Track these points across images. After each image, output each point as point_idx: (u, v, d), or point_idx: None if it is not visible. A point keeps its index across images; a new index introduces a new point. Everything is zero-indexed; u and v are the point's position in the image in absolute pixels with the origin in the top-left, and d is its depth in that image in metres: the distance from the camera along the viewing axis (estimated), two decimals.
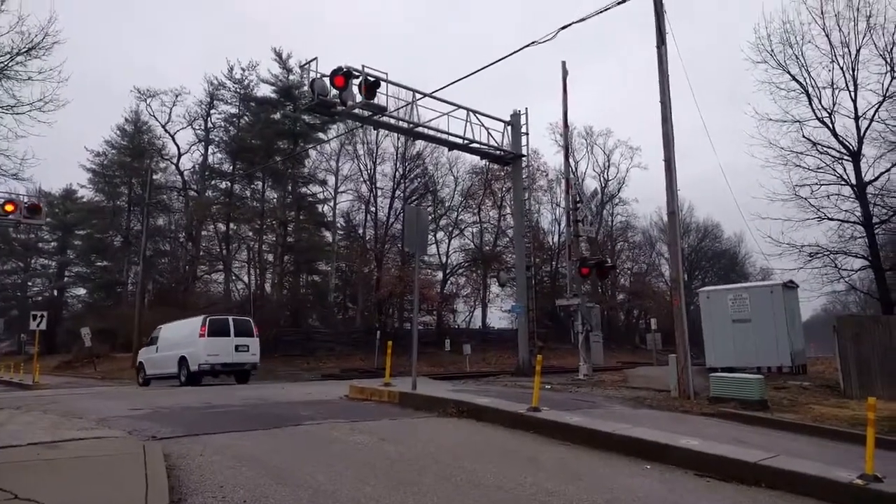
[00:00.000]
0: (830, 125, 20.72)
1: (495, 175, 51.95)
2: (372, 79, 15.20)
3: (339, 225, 51.08)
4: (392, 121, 17.19)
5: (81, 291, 55.23)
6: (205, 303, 41.65)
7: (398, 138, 45.20)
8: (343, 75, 14.76)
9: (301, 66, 15.58)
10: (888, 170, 20.08)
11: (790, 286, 20.42)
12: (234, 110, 46.33)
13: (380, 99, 15.59)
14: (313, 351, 38.65)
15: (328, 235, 49.59)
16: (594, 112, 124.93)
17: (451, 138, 18.40)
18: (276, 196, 47.71)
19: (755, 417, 10.66)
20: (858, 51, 20.79)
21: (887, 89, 19.96)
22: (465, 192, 49.54)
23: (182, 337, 19.23)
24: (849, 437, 9.45)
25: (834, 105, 20.48)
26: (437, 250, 48.96)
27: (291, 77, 45.38)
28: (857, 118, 19.93)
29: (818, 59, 21.54)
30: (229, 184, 46.32)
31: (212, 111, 46.29)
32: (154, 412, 9.60)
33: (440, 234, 49.10)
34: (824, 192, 21.83)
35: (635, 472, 6.33)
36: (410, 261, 46.77)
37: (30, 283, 58.41)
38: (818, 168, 21.85)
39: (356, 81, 15.13)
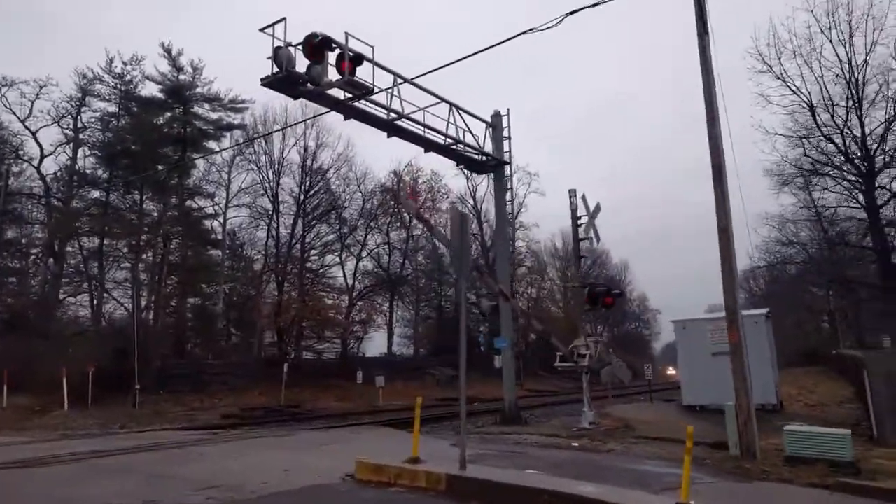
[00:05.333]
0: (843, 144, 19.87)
1: (406, 193, 49.32)
2: (353, 53, 11.95)
3: (227, 243, 46.04)
4: (371, 109, 13.90)
5: None
6: (73, 330, 35.26)
7: (305, 148, 41.42)
8: (319, 44, 11.41)
9: (261, 30, 11.92)
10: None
11: (769, 316, 19.20)
12: (112, 109, 40.28)
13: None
14: (205, 386, 33.44)
15: (217, 254, 44.50)
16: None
17: (433, 136, 15.39)
18: (157, 209, 42.01)
19: (885, 490, 8.46)
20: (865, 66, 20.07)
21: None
22: (374, 210, 46.41)
23: None
24: None
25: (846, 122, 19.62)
26: (343, 272, 45.22)
27: (182, 77, 40.52)
28: (864, 138, 19.33)
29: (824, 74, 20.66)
30: (103, 193, 40.03)
31: (83, 108, 39.92)
32: None
33: (345, 255, 45.47)
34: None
35: None
36: (312, 283, 42.72)
37: None
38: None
39: (333, 55, 11.85)
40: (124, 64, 39.19)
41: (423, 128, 15.16)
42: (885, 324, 39.15)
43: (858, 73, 19.36)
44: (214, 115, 42.30)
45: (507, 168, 17.16)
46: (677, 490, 8.08)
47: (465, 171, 61.23)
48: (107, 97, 39.96)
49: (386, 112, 14.06)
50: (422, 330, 60.18)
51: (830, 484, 8.78)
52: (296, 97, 12.96)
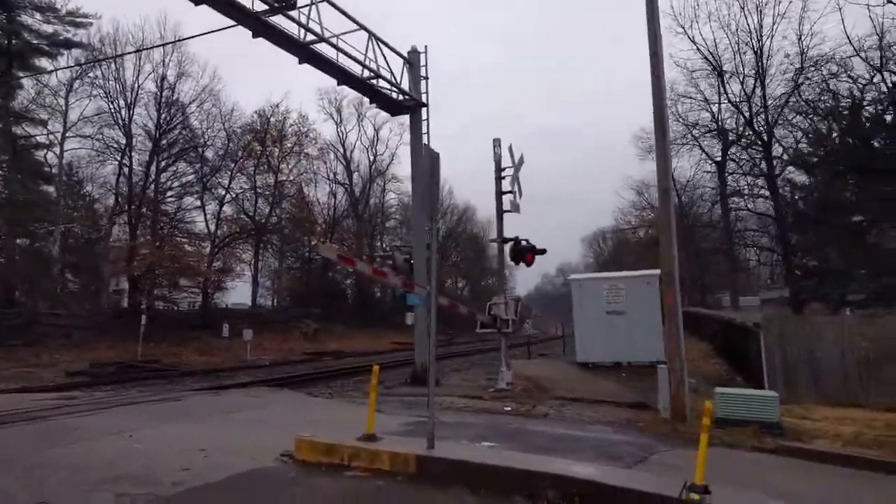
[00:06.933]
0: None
1: (274, 138, 46.27)
2: None
3: (63, 178, 40.68)
4: (286, 28, 11.83)
5: None
6: None
7: (163, 77, 37.03)
8: None
9: None
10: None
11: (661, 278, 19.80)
12: None
13: None
14: (41, 339, 29.47)
15: (51, 190, 39.18)
16: None
17: (349, 67, 13.64)
18: None
19: (828, 454, 8.66)
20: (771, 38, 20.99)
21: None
22: (240, 152, 42.95)
23: None
24: None
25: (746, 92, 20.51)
26: (205, 217, 41.68)
27: None
28: (765, 108, 20.15)
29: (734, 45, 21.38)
30: None
31: None
32: None
33: (206, 198, 41.85)
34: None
35: None
36: (170, 227, 38.82)
37: None
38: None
39: None
40: None
41: (336, 55, 13.43)
42: (727, 283, 43.01)
43: (763, 44, 20.45)
44: (48, 28, 36.53)
45: (423, 111, 15.84)
46: (645, 462, 7.71)
47: (335, 117, 58.79)
48: None
49: (302, 33, 12.19)
50: (286, 280, 57.73)
51: (775, 448, 8.85)
52: (198, 2, 10.76)
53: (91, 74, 36.95)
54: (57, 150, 38.81)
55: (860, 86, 22.60)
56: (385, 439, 7.10)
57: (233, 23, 11.23)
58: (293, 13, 11.63)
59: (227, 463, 6.78)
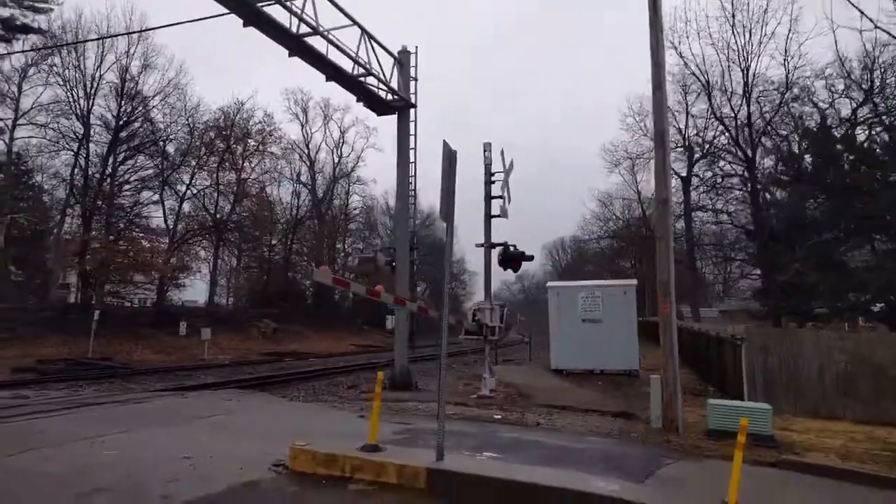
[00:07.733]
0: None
1: (238, 136, 45.07)
2: None
3: (12, 168, 38.77)
4: (278, 18, 11.22)
5: None
6: None
7: (126, 69, 35.59)
8: None
9: None
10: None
11: (638, 288, 19.81)
12: None
13: None
14: None
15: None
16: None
17: (340, 63, 13.06)
18: None
19: (830, 468, 8.55)
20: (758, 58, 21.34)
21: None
22: (203, 149, 41.62)
23: None
24: None
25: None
26: (164, 212, 40.20)
27: None
28: (750, 125, 20.34)
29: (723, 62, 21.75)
30: None
31: None
32: None
33: (165, 193, 40.40)
34: None
35: None
36: (128, 222, 37.32)
37: None
38: None
39: None
40: None
41: (327, 49, 12.89)
42: (687, 295, 43.66)
43: (750, 63, 20.90)
44: (5, 12, 34.79)
45: (412, 112, 15.38)
46: (654, 475, 7.46)
47: (300, 117, 57.75)
48: None
49: (296, 24, 11.65)
50: (244, 279, 56.40)
51: (775, 462, 8.73)
52: None
53: (48, 62, 35.35)
54: (6, 137, 36.95)
55: (821, 110, 23.37)
56: (388, 450, 6.67)
57: (225, 11, 10.62)
58: (287, 2, 11.12)
59: (218, 474, 6.25)
